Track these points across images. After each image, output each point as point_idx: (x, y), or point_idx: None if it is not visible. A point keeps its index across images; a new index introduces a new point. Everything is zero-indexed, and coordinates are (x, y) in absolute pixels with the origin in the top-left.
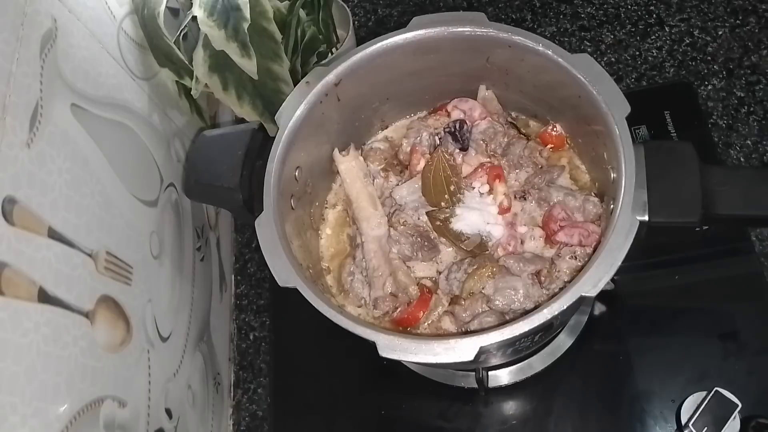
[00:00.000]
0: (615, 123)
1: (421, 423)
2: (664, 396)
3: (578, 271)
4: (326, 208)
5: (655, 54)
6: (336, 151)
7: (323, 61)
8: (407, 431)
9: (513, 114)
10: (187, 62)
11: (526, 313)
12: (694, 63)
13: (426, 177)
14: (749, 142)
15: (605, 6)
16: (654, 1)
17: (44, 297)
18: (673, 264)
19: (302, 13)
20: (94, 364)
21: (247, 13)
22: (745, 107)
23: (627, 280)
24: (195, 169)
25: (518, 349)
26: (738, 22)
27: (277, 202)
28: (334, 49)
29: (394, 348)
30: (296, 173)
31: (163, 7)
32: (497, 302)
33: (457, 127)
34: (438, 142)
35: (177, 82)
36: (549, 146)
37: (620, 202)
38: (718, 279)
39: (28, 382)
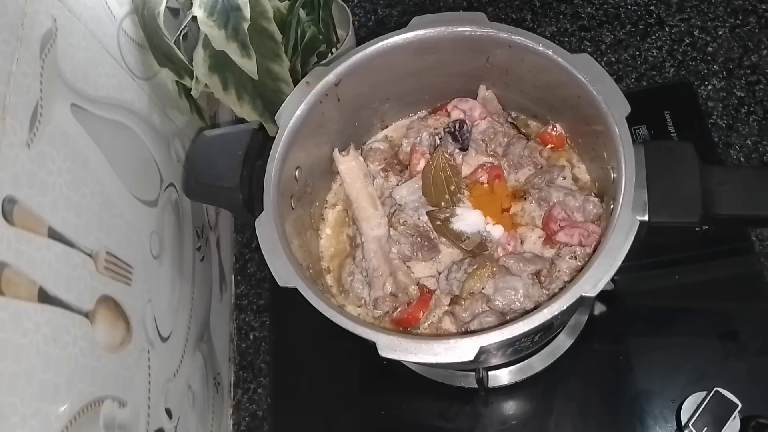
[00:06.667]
0: (615, 123)
1: (421, 423)
2: (664, 396)
3: (578, 271)
4: (326, 208)
5: (655, 54)
6: (336, 151)
7: (323, 61)
8: (407, 431)
9: (513, 114)
10: (187, 62)
11: (526, 313)
12: (694, 63)
13: (426, 177)
14: (749, 142)
15: (605, 6)
16: (654, 1)
17: (44, 297)
18: (673, 264)
19: (302, 13)
20: (94, 364)
21: (247, 13)
22: (745, 107)
23: (627, 280)
24: (195, 169)
25: (518, 349)
26: (738, 22)
27: (277, 202)
28: (334, 49)
29: (394, 348)
30: (296, 173)
31: (163, 7)
32: (497, 302)
33: (457, 127)
34: (438, 142)
35: (177, 82)
36: (549, 146)
37: (620, 202)
38: (718, 279)
39: (28, 382)
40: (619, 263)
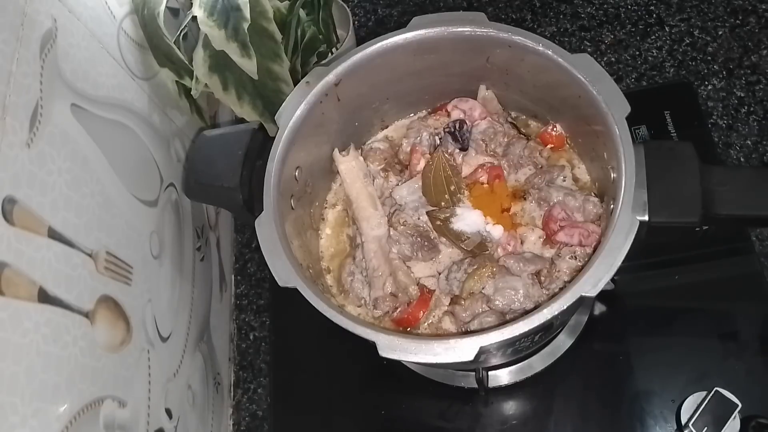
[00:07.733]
0: (615, 123)
1: (421, 423)
2: (664, 396)
3: (578, 271)
4: (326, 208)
5: (655, 54)
6: (336, 151)
7: (323, 61)
8: (407, 431)
9: (513, 114)
10: (187, 62)
11: (526, 313)
12: (694, 63)
13: (426, 177)
14: (749, 142)
15: (605, 6)
16: (654, 1)
17: (44, 297)
18: (673, 264)
19: (302, 13)
20: (94, 364)
21: (247, 13)
22: (745, 107)
23: (627, 280)
24: (195, 169)
25: (518, 349)
26: (738, 22)
27: (277, 202)
28: (334, 49)
29: (394, 348)
30: (296, 173)
31: (163, 7)
32: (497, 302)
33: (457, 127)
34: (438, 142)
35: (177, 82)
36: (549, 146)
37: (620, 202)
38: (718, 279)
39: (28, 382)
40: (619, 263)
